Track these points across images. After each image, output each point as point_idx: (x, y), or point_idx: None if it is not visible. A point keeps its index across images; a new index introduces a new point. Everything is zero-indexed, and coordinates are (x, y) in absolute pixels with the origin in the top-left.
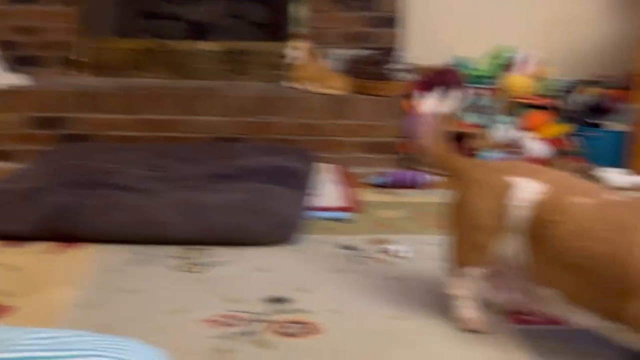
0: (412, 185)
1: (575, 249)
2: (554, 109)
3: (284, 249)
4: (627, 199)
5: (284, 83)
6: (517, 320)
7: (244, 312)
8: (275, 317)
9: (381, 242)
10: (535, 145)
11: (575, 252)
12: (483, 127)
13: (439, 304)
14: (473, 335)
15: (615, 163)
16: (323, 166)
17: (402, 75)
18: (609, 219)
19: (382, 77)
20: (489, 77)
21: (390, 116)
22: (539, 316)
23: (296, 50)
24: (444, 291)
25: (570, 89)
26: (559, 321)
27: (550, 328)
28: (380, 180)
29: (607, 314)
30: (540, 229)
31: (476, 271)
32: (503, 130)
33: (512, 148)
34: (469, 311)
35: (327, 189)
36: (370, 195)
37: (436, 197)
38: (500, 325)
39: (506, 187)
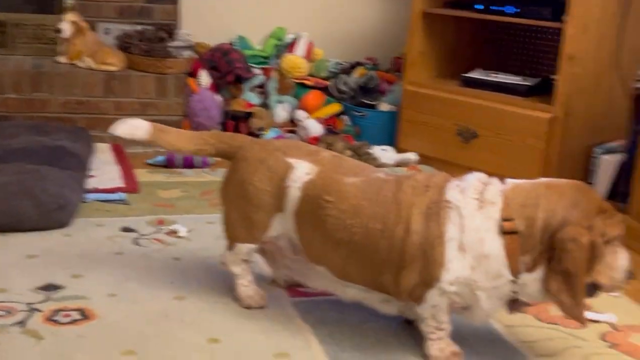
0: (190, 164)
1: (347, 227)
2: (327, 90)
3: (57, 233)
4: (393, 176)
5: (54, 58)
6: (295, 293)
7: (12, 302)
8: (48, 306)
9: (160, 222)
10: (311, 125)
11: (347, 230)
12: (263, 106)
13: (221, 282)
14: (254, 311)
15: (385, 141)
16: (99, 146)
17: (182, 52)
18: (377, 196)
19: (160, 54)
20: (269, 58)
21: (171, 94)
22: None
23: (66, 24)
24: (225, 269)
25: (343, 70)
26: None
27: (327, 299)
28: (159, 159)
29: (378, 285)
30: (313, 208)
31: (250, 247)
32: (281, 110)
33: (289, 127)
34: (247, 289)
35: (104, 170)
36: (148, 175)
37: (214, 175)
38: (279, 299)
39: (285, 168)
